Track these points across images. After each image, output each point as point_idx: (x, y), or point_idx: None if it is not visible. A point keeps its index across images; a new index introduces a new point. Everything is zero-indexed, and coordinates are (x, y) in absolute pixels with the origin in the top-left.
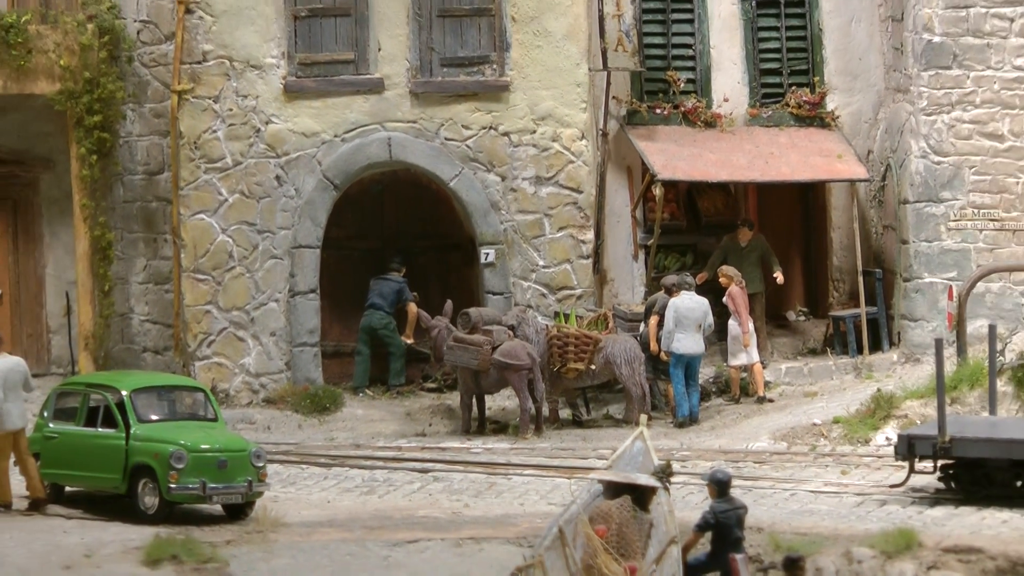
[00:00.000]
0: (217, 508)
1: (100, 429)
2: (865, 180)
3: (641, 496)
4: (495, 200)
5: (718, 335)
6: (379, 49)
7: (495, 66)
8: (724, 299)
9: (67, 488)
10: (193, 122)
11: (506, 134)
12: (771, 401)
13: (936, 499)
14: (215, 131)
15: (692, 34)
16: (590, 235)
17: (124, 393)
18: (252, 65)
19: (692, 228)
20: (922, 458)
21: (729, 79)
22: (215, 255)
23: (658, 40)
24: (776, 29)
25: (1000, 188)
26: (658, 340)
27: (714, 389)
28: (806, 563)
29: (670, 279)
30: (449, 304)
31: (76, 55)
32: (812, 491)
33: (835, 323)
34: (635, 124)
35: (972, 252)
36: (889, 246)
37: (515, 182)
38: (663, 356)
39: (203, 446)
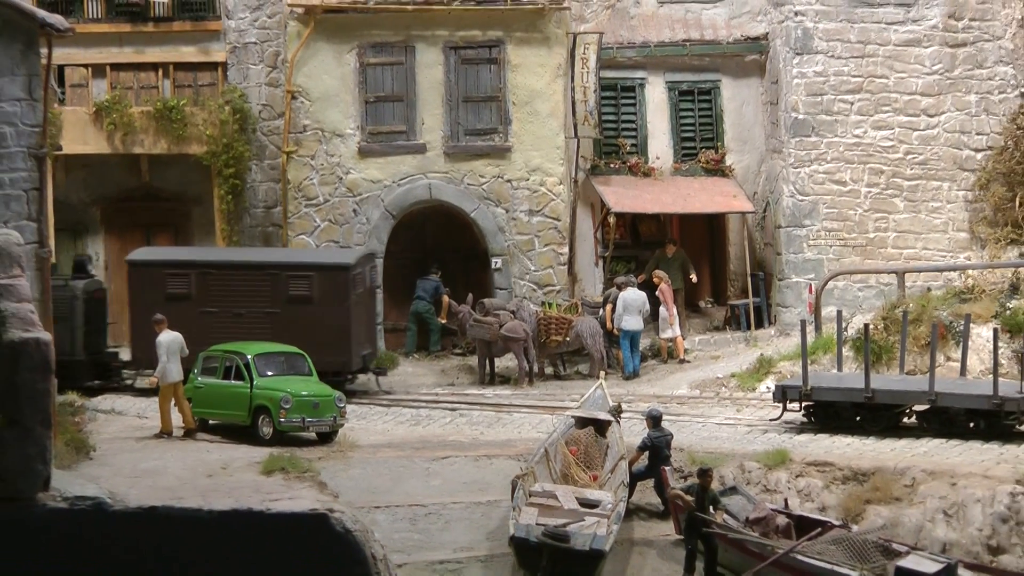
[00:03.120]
0: (312, 435)
1: (233, 381)
2: (752, 212)
3: (600, 427)
4: (501, 225)
5: (653, 317)
6: (423, 123)
7: (501, 135)
8: (656, 293)
9: (210, 422)
10: (297, 173)
11: (509, 180)
12: (688, 362)
13: (801, 429)
14: (311, 179)
15: (635, 114)
16: (565, 249)
17: (249, 357)
18: (337, 134)
19: (635, 245)
20: (791, 401)
21: (659, 144)
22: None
23: (611, 117)
24: (691, 110)
25: (844, 217)
26: (612, 320)
27: (650, 354)
28: (713, 472)
29: (620, 279)
30: (470, 296)
31: (217, 127)
32: (717, 423)
33: (731, 309)
34: (596, 174)
35: (825, 261)
36: (768, 257)
37: (515, 213)
38: (615, 331)
39: (303, 393)
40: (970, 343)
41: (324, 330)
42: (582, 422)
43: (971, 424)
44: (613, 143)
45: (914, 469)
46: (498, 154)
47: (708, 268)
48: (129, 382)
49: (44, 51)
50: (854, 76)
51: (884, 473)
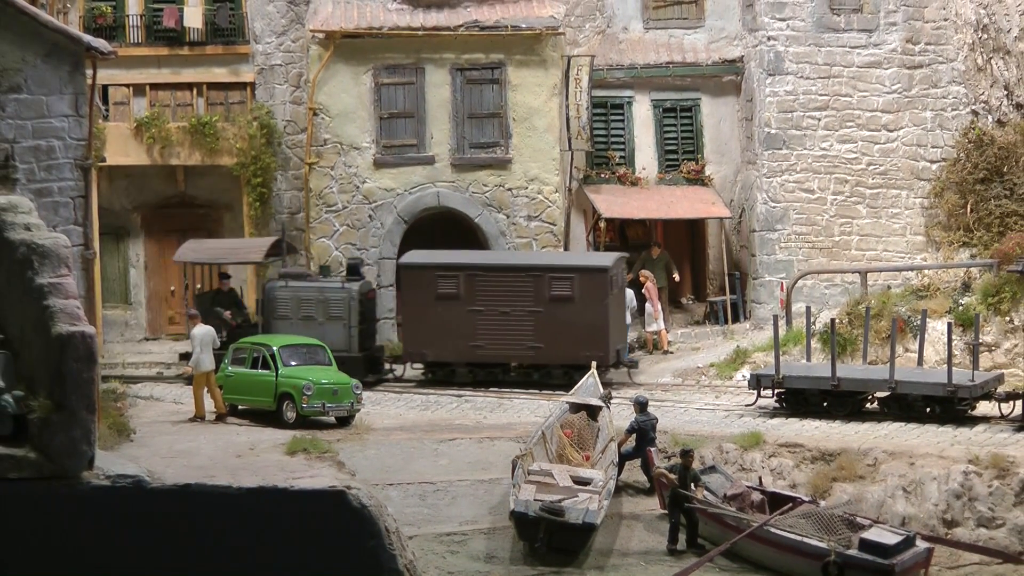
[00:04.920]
0: (332, 419)
1: (260, 370)
2: (729, 218)
3: (592, 411)
4: (503, 230)
5: (639, 312)
6: (432, 137)
7: (502, 148)
8: (643, 291)
9: (239, 407)
10: (318, 182)
11: (509, 189)
12: (671, 353)
13: (774, 414)
14: (331, 188)
15: (623, 129)
16: (561, 251)
17: (274, 348)
18: (354, 147)
19: (623, 247)
20: (765, 388)
21: (645, 156)
22: (331, 264)
23: (602, 132)
24: (674, 126)
25: (812, 222)
26: None
27: (636, 345)
28: (694, 453)
29: None
30: None
31: (246, 141)
32: (697, 408)
33: (711, 305)
34: (588, 183)
35: (795, 262)
36: (744, 258)
37: (515, 219)
38: None
39: (323, 380)
40: (926, 336)
41: (583, 327)
42: (576, 407)
43: (928, 409)
44: (603, 155)
45: (876, 450)
46: (500, 165)
47: (689, 268)
48: (398, 375)
49: (89, 72)
50: (821, 95)
51: (849, 454)
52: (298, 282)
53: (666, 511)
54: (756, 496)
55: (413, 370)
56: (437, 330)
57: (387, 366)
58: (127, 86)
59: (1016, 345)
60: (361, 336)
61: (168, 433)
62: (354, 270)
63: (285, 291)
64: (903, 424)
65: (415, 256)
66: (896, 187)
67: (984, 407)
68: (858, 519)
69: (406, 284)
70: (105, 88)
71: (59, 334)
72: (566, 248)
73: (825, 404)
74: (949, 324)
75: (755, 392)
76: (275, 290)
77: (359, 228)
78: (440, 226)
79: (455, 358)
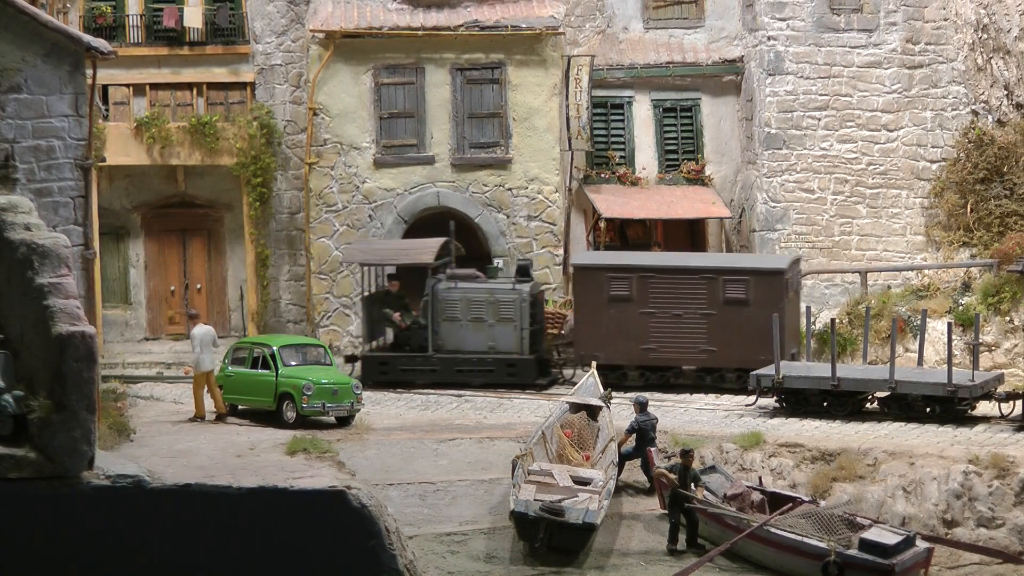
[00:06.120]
0: (331, 419)
1: (259, 370)
2: (729, 217)
3: (592, 411)
4: (503, 230)
5: None
6: (432, 137)
7: (502, 148)
8: None
9: (239, 407)
10: (318, 182)
11: (509, 189)
12: None
13: (773, 413)
14: (331, 188)
15: (623, 129)
16: (561, 251)
17: (274, 348)
18: (354, 147)
19: (623, 247)
20: (765, 388)
21: (645, 156)
22: (331, 264)
23: (602, 132)
24: (674, 126)
25: (812, 222)
26: None
27: None
28: (694, 453)
29: None
30: None
31: (246, 141)
32: (698, 408)
33: None
34: (588, 183)
35: None
36: None
37: (515, 219)
38: None
39: (323, 380)
40: (926, 336)
41: (758, 331)
42: (576, 407)
43: (928, 409)
44: (604, 155)
45: (876, 450)
46: (500, 165)
47: None
48: (570, 377)
49: (89, 72)
50: (821, 94)
51: (849, 453)
52: (467, 283)
53: (666, 511)
54: (756, 496)
55: (583, 372)
56: (609, 332)
57: (557, 369)
58: (127, 86)
59: (1016, 345)
60: (531, 338)
61: (168, 433)
62: (524, 271)
63: (454, 292)
64: (903, 424)
65: (588, 257)
66: (896, 187)
67: (984, 407)
68: (858, 519)
69: (579, 285)
70: (105, 88)
71: (59, 334)
72: (566, 248)
73: (825, 404)
74: (949, 324)
75: (756, 392)
76: (444, 291)
77: (359, 228)
78: (440, 226)
79: (627, 361)
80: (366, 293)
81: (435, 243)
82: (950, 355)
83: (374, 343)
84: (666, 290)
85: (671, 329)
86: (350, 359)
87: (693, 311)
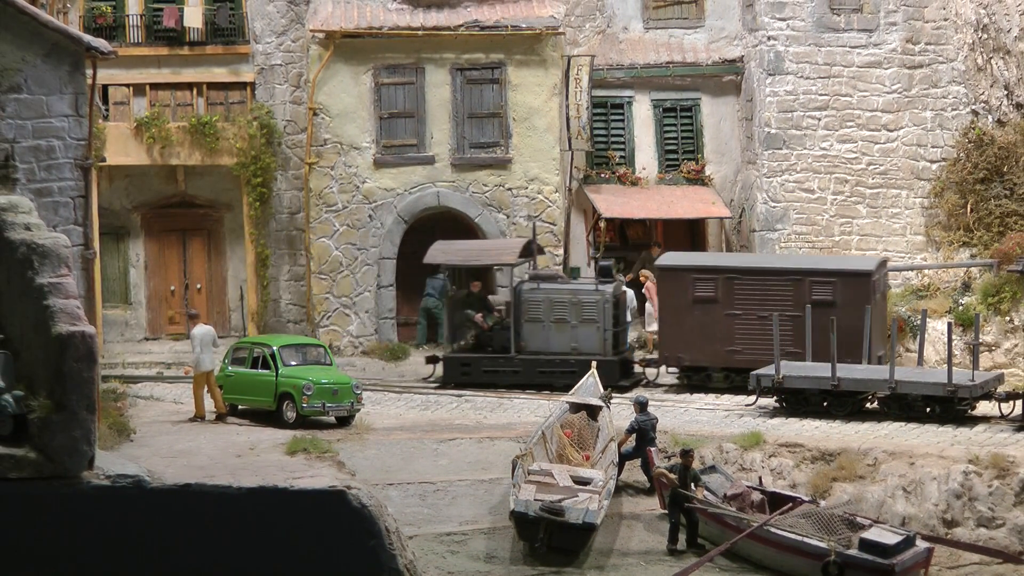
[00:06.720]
0: (332, 419)
1: (259, 370)
2: (729, 217)
3: (592, 411)
4: (503, 230)
5: (639, 312)
6: (432, 137)
7: (503, 148)
8: (643, 290)
9: (239, 407)
10: (318, 182)
11: (509, 189)
12: None
13: (774, 413)
14: (331, 188)
15: (623, 129)
16: (561, 251)
17: (274, 348)
18: (354, 147)
19: (623, 247)
20: (765, 388)
21: (645, 156)
22: (331, 264)
23: (602, 132)
24: (674, 126)
25: (812, 222)
26: None
27: (637, 345)
28: (694, 453)
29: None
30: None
31: (246, 141)
32: (698, 408)
33: None
34: (588, 183)
35: None
36: None
37: (515, 219)
38: None
39: (323, 380)
40: (926, 336)
41: (844, 333)
42: (576, 407)
43: (928, 409)
44: (604, 155)
45: (876, 450)
46: (500, 165)
47: None
48: (653, 378)
49: (89, 72)
50: (821, 94)
51: (849, 453)
52: (550, 284)
53: (666, 511)
54: (756, 496)
55: (668, 374)
56: (693, 334)
57: (640, 370)
58: (127, 86)
59: (1016, 345)
60: (614, 339)
61: (168, 433)
62: (606, 272)
63: (537, 293)
64: (903, 424)
65: (673, 258)
66: (896, 187)
67: (984, 407)
68: (858, 519)
69: (663, 286)
70: (105, 88)
71: (59, 334)
72: (566, 248)
73: (825, 404)
74: (949, 324)
75: (756, 392)
76: (526, 292)
77: (359, 228)
78: (440, 226)
79: (711, 362)
80: (449, 294)
81: (517, 243)
82: (950, 355)
83: (455, 344)
84: (751, 292)
85: (756, 331)
86: (431, 360)
87: (779, 313)
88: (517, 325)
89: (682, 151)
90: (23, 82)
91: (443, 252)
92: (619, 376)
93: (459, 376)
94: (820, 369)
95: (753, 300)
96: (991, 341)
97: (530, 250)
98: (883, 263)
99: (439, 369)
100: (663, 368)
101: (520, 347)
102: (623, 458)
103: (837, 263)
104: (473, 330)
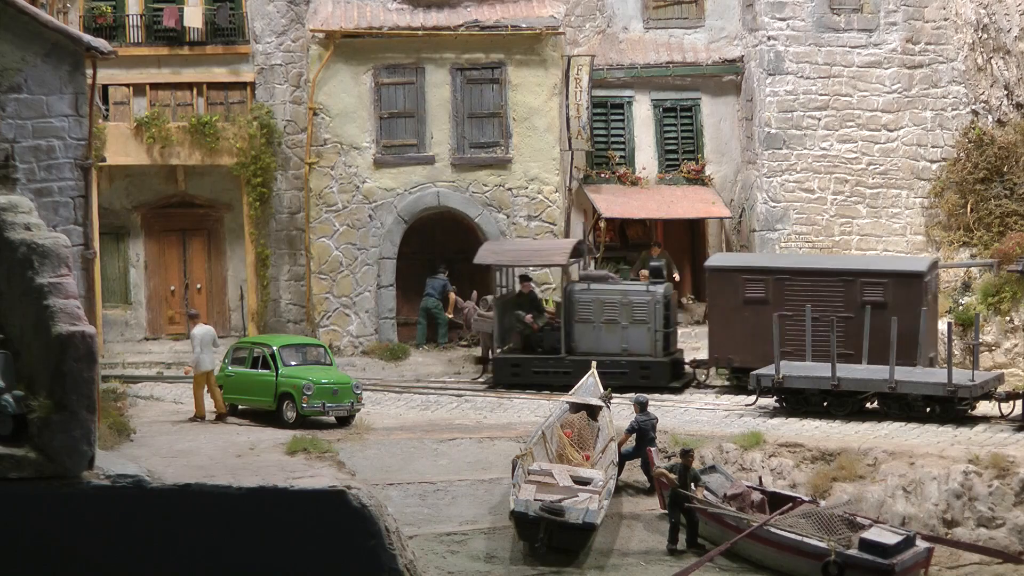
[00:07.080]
0: (332, 419)
1: (259, 370)
2: (729, 217)
3: (592, 411)
4: (503, 230)
5: None
6: (432, 137)
7: (502, 148)
8: None
9: (239, 407)
10: (318, 182)
11: (509, 189)
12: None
13: (774, 413)
14: (331, 188)
15: (623, 129)
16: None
17: (274, 348)
18: (354, 147)
19: (623, 247)
20: (765, 388)
21: (645, 156)
22: (331, 263)
23: (602, 132)
24: (674, 125)
25: (812, 222)
26: None
27: None
28: (694, 452)
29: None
30: (475, 293)
31: (246, 140)
32: (697, 408)
33: None
34: (588, 183)
35: None
36: None
37: (515, 219)
38: None
39: (323, 380)
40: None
41: (896, 334)
42: (576, 407)
43: (928, 409)
44: (604, 155)
45: (876, 450)
46: (500, 165)
47: (689, 268)
48: (703, 379)
49: (89, 72)
50: (821, 94)
51: (849, 453)
52: (600, 285)
53: (666, 511)
54: (756, 496)
55: (718, 376)
56: (744, 335)
57: (691, 371)
58: (127, 86)
59: (1016, 345)
60: (664, 340)
61: (168, 433)
62: (657, 273)
63: (587, 294)
64: (903, 424)
65: (722, 259)
66: (896, 187)
67: (984, 407)
68: (858, 519)
69: (713, 287)
70: (105, 88)
71: (59, 334)
72: None
73: (825, 404)
74: (949, 324)
75: (756, 392)
76: (577, 293)
77: (359, 228)
78: (440, 226)
79: (761, 363)
80: (499, 294)
81: (568, 243)
82: (950, 355)
83: (505, 346)
84: (802, 293)
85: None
86: (481, 361)
87: (829, 314)
88: (568, 326)
89: (682, 151)
90: (23, 82)
91: (493, 253)
92: (670, 377)
93: (509, 377)
94: (820, 369)
95: (803, 301)
96: (991, 341)
97: (580, 251)
98: (934, 263)
99: (490, 369)
100: (713, 369)
101: (570, 348)
102: (623, 458)
103: (889, 263)
104: (523, 331)
